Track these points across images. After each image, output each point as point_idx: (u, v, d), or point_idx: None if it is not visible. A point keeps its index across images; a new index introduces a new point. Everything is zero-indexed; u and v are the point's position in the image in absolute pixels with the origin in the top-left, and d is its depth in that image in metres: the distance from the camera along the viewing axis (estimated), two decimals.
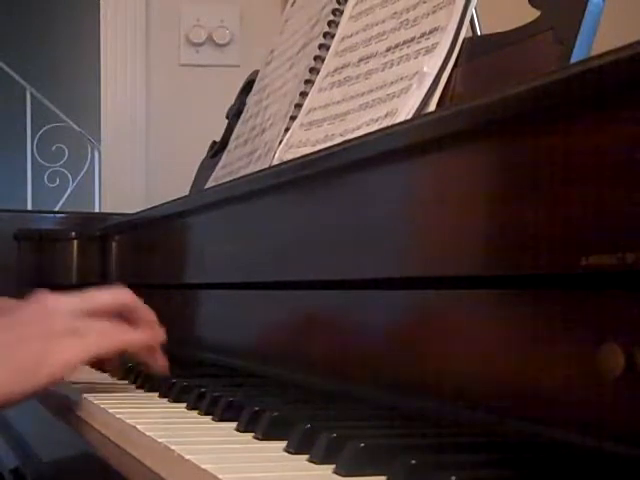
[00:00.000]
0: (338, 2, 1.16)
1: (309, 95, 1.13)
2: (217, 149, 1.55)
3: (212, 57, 2.37)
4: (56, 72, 4.99)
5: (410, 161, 0.70)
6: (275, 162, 1.12)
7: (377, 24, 1.04)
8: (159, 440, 0.61)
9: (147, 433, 0.65)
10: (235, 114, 1.50)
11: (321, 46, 1.16)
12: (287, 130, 1.14)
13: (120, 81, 2.36)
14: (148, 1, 2.37)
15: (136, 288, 0.96)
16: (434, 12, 0.94)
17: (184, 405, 0.79)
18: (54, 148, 4.51)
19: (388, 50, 0.99)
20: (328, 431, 0.55)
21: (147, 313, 0.91)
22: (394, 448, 0.51)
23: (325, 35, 1.16)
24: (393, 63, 0.97)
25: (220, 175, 1.39)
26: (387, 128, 0.78)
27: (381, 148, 0.73)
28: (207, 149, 1.62)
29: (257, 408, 0.66)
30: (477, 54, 0.88)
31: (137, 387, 0.95)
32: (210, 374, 1.00)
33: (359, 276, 0.77)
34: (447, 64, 0.89)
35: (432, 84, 0.89)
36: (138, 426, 0.67)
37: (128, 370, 1.00)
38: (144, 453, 0.64)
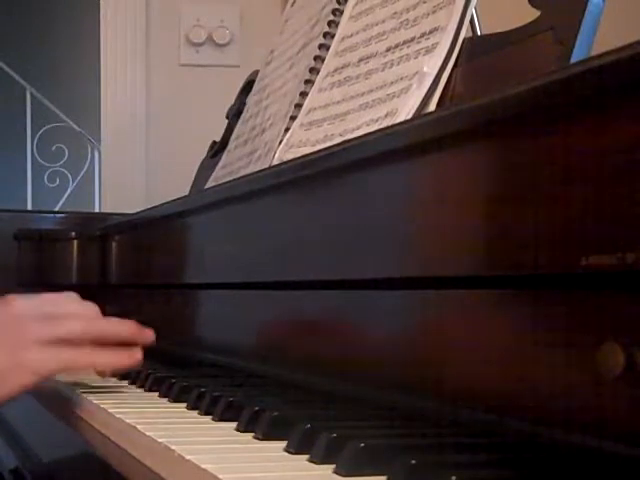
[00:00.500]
0: (338, 2, 1.16)
1: (309, 95, 1.13)
2: (217, 149, 1.55)
3: (212, 57, 2.37)
4: (56, 72, 4.99)
5: (410, 161, 0.70)
6: (275, 162, 1.12)
7: (377, 24, 1.04)
8: (159, 440, 0.61)
9: (147, 433, 0.65)
10: (235, 114, 1.50)
11: (321, 46, 1.16)
12: (287, 130, 1.14)
13: (120, 81, 2.36)
14: (148, 1, 2.37)
15: (136, 288, 0.96)
16: (434, 12, 0.94)
17: (184, 405, 0.79)
18: (54, 148, 4.51)
19: (388, 50, 0.99)
20: (328, 431, 0.55)
21: (109, 327, 0.90)
22: (394, 448, 0.51)
23: (325, 35, 1.16)
24: (393, 63, 0.97)
25: (220, 175, 1.39)
26: (387, 128, 0.78)
27: (381, 148, 0.73)
28: (207, 149, 1.62)
29: (257, 408, 0.66)
30: (477, 54, 0.88)
31: (137, 387, 0.95)
32: (210, 374, 1.00)
33: (359, 276, 0.76)
34: (447, 64, 0.89)
35: (432, 84, 0.89)
36: (138, 426, 0.67)
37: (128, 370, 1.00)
38: (144, 453, 0.64)
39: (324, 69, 1.12)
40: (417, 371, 0.69)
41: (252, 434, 0.64)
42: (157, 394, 0.88)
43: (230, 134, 1.46)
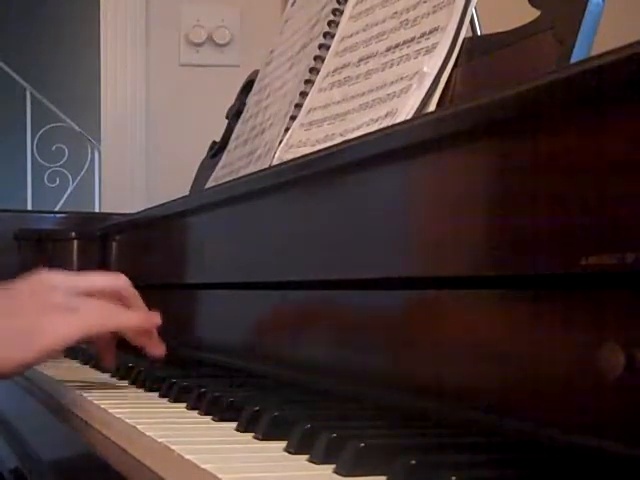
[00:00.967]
0: (338, 2, 1.16)
1: (309, 95, 1.13)
2: (217, 149, 1.55)
3: (212, 57, 2.37)
4: (56, 72, 4.99)
5: (410, 161, 0.70)
6: (275, 162, 1.12)
7: (377, 24, 1.04)
8: (159, 440, 0.61)
9: (147, 433, 0.65)
10: (235, 114, 1.50)
11: (321, 46, 1.16)
12: (287, 130, 1.14)
13: (120, 81, 2.36)
14: (148, 1, 2.37)
15: (136, 288, 0.96)
16: (434, 12, 0.94)
17: (184, 405, 0.79)
18: (54, 148, 4.50)
19: (388, 50, 0.99)
20: (328, 431, 0.55)
21: (139, 300, 0.93)
22: (394, 448, 0.51)
23: (325, 35, 1.16)
24: (393, 63, 0.97)
25: (220, 175, 1.39)
26: (387, 128, 0.78)
27: (381, 148, 0.73)
28: (207, 149, 1.62)
29: (257, 408, 0.66)
30: (477, 54, 0.88)
31: (137, 387, 0.95)
32: (210, 374, 1.00)
33: (359, 276, 0.77)
34: (447, 64, 0.89)
35: (432, 84, 0.89)
36: (138, 426, 0.67)
37: (128, 370, 1.00)
38: (144, 453, 0.64)
39: (324, 69, 1.12)
40: (417, 371, 0.69)
41: (252, 434, 0.64)
42: (157, 394, 0.88)
43: (230, 134, 1.46)
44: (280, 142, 1.14)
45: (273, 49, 1.39)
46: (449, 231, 0.65)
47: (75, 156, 4.58)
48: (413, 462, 0.47)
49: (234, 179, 1.13)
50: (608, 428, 0.49)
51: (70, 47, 4.99)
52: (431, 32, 0.93)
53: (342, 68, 1.07)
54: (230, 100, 1.56)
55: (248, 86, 1.48)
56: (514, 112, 0.58)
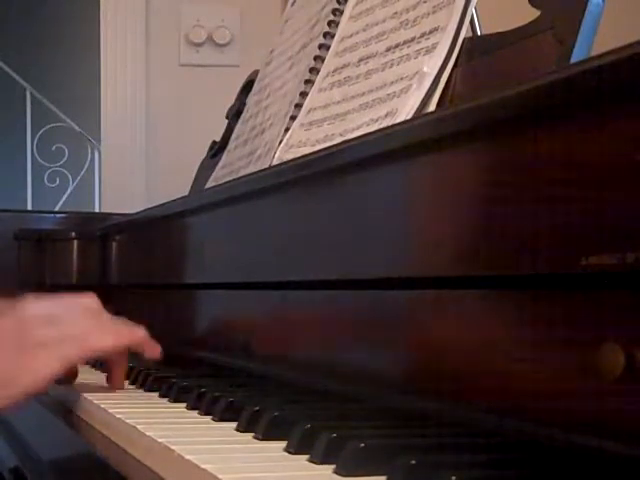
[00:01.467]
0: (338, 2, 1.16)
1: (309, 95, 1.13)
2: (217, 149, 1.55)
3: (212, 57, 2.37)
4: (56, 72, 4.98)
5: (410, 161, 0.70)
6: (275, 162, 1.12)
7: (377, 24, 1.04)
8: (159, 440, 0.61)
9: (147, 433, 0.65)
10: (235, 114, 1.50)
11: (321, 46, 1.16)
12: (287, 130, 1.14)
13: (120, 81, 2.36)
14: (148, 1, 2.37)
15: (136, 288, 0.96)
16: (434, 12, 0.94)
17: (184, 405, 0.79)
18: (54, 148, 4.50)
19: (388, 50, 0.99)
20: (328, 431, 0.55)
21: (116, 319, 0.91)
22: (394, 448, 0.51)
23: (325, 35, 1.16)
24: (393, 63, 0.97)
25: (220, 175, 1.39)
26: (387, 128, 0.78)
27: (381, 148, 0.73)
28: (207, 149, 1.62)
29: (257, 408, 0.66)
30: (477, 54, 0.88)
31: (137, 387, 0.95)
32: (210, 374, 1.00)
33: (359, 276, 0.77)
34: (447, 64, 0.89)
35: (432, 84, 0.89)
36: (138, 426, 0.67)
37: (128, 370, 1.00)
38: (144, 453, 0.64)
39: (324, 69, 1.12)
40: (417, 371, 0.69)
41: (252, 434, 0.64)
42: (157, 394, 0.88)
43: (230, 134, 1.46)
44: (280, 142, 1.14)
45: (273, 49, 1.39)
46: (449, 231, 0.65)
47: (75, 156, 4.58)
48: (413, 462, 0.47)
49: (234, 179, 1.13)
50: (608, 428, 0.49)
51: (70, 47, 4.99)
52: (431, 32, 0.93)
53: (342, 68, 1.07)
54: (230, 100, 1.56)
55: (248, 86, 1.48)
56: (514, 112, 0.58)
